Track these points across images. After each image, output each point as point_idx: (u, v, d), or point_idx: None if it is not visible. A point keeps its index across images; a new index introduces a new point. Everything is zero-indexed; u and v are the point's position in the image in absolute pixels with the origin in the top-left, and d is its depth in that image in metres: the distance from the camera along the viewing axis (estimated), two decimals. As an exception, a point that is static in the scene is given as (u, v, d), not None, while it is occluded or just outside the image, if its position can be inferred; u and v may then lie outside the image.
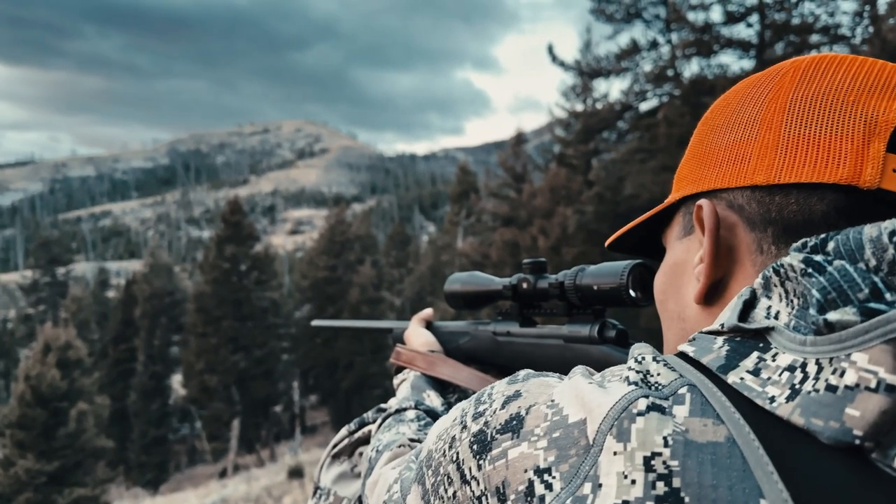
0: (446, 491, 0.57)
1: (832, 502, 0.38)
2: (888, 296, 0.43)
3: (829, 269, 0.45)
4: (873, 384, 0.39)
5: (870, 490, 0.38)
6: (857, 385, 0.40)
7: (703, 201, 0.59)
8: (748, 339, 0.49)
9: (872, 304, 0.42)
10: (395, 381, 1.21)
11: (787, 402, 0.42)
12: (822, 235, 0.49)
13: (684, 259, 0.65)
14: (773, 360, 0.46)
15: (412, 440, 0.90)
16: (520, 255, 18.32)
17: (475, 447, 0.55)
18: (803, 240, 0.50)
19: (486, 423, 0.55)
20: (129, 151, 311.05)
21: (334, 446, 1.09)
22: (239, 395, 30.34)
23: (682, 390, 0.47)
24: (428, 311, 1.31)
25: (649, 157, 15.56)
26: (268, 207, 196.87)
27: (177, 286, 39.10)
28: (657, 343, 0.57)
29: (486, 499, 0.52)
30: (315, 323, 1.69)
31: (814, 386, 0.42)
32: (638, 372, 0.50)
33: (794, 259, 0.48)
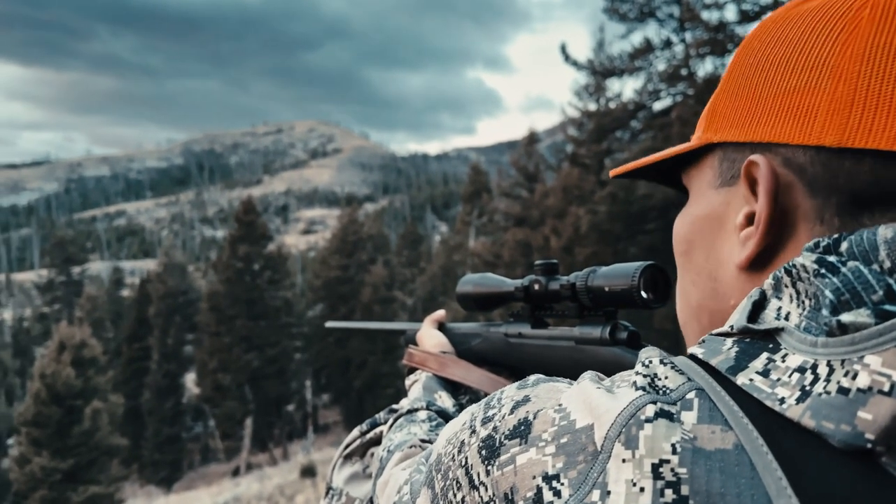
0: (455, 496, 0.56)
1: None
2: None
3: (843, 269, 0.44)
4: (886, 388, 0.38)
5: (880, 495, 0.38)
6: (870, 388, 0.39)
7: (757, 158, 0.52)
8: (758, 341, 0.47)
9: (887, 307, 0.41)
10: (407, 381, 1.21)
11: (797, 403, 0.41)
12: (836, 235, 0.47)
13: (722, 213, 0.59)
14: (783, 361, 0.44)
15: (423, 441, 0.89)
16: (532, 256, 18.30)
17: (483, 452, 0.54)
18: (815, 239, 0.48)
19: (494, 429, 0.54)
20: (143, 151, 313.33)
21: (346, 447, 1.09)
22: (252, 393, 30.50)
23: (690, 395, 0.46)
24: (440, 313, 1.31)
25: (663, 157, 15.42)
26: (281, 207, 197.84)
27: (191, 285, 39.38)
28: (671, 345, 0.56)
29: None
30: (329, 324, 1.69)
31: (825, 388, 0.41)
32: (645, 376, 0.49)
33: (806, 259, 0.47)
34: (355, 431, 1.10)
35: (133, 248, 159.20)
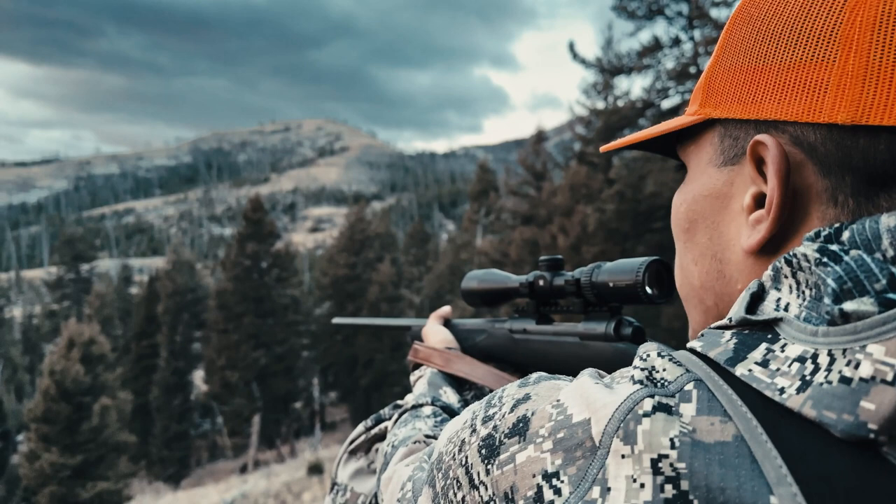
0: (455, 495, 0.56)
1: (844, 497, 0.37)
2: None
3: (846, 258, 0.43)
4: (890, 377, 0.37)
5: (882, 484, 0.37)
6: (873, 377, 0.38)
7: (765, 138, 0.49)
8: (756, 332, 0.47)
9: (891, 295, 0.40)
10: (412, 377, 1.21)
11: (797, 393, 0.41)
12: (837, 224, 0.46)
13: (726, 193, 0.56)
14: (783, 351, 0.44)
15: (428, 436, 0.89)
16: (539, 254, 18.23)
17: (483, 451, 0.54)
18: (816, 229, 0.47)
19: (494, 428, 0.54)
20: (152, 149, 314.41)
21: (351, 442, 1.09)
22: (260, 391, 30.57)
23: (689, 386, 0.45)
24: (446, 309, 1.31)
25: (671, 156, 15.39)
26: (289, 205, 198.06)
27: (199, 283, 39.45)
28: (679, 344, 0.55)
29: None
30: (336, 321, 1.69)
31: (826, 377, 0.40)
32: (643, 370, 0.48)
33: (807, 249, 0.46)
34: (360, 427, 1.10)
35: (142, 246, 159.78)
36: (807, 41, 0.47)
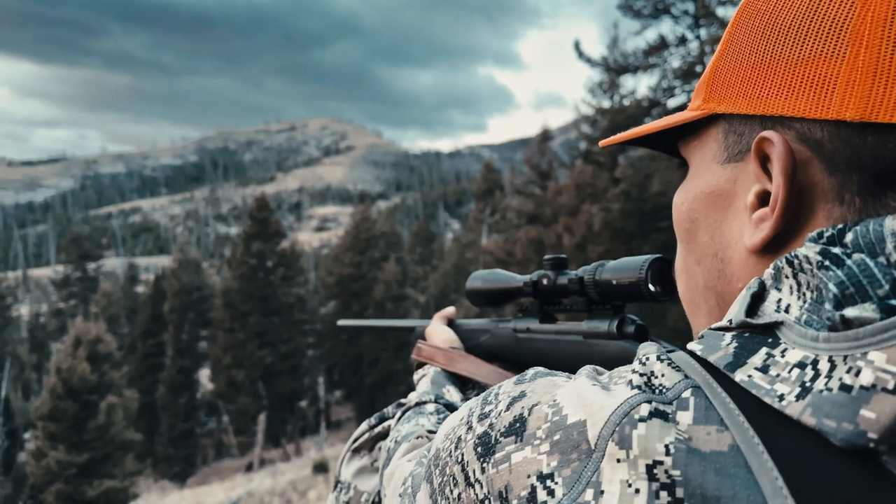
0: (451, 492, 0.56)
1: None
2: None
3: (848, 262, 0.42)
4: (891, 385, 0.37)
5: (881, 494, 0.36)
6: (874, 385, 0.37)
7: (771, 135, 0.48)
8: (757, 335, 0.46)
9: (893, 301, 0.39)
10: (416, 376, 1.21)
11: (796, 400, 0.40)
12: (840, 226, 0.45)
13: (728, 190, 0.55)
14: (783, 357, 0.43)
15: (430, 432, 0.89)
16: (545, 253, 18.09)
17: (479, 449, 0.53)
18: (819, 230, 0.46)
19: (490, 426, 0.54)
20: (158, 149, 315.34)
21: (355, 440, 1.09)
22: (265, 389, 30.66)
23: (686, 394, 0.44)
24: (450, 310, 1.31)
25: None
26: (294, 204, 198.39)
27: (205, 282, 39.57)
28: (684, 344, 0.53)
29: (489, 502, 0.51)
30: (341, 323, 1.69)
31: (826, 385, 0.39)
32: (642, 374, 0.48)
33: (809, 250, 0.45)
34: (364, 425, 1.10)
35: (148, 245, 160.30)
36: (816, 36, 0.46)
